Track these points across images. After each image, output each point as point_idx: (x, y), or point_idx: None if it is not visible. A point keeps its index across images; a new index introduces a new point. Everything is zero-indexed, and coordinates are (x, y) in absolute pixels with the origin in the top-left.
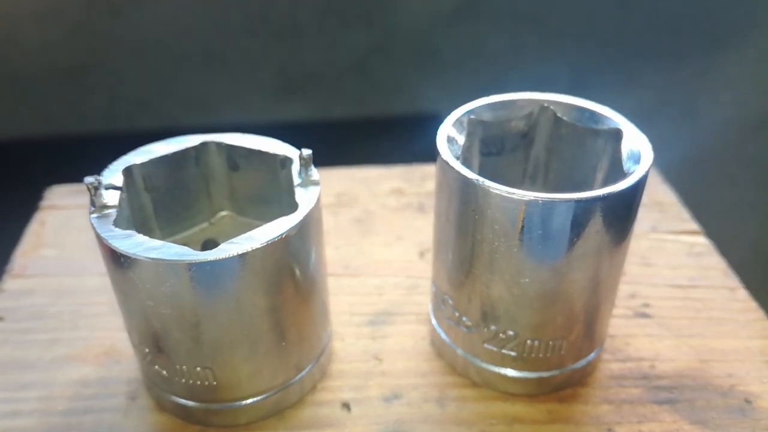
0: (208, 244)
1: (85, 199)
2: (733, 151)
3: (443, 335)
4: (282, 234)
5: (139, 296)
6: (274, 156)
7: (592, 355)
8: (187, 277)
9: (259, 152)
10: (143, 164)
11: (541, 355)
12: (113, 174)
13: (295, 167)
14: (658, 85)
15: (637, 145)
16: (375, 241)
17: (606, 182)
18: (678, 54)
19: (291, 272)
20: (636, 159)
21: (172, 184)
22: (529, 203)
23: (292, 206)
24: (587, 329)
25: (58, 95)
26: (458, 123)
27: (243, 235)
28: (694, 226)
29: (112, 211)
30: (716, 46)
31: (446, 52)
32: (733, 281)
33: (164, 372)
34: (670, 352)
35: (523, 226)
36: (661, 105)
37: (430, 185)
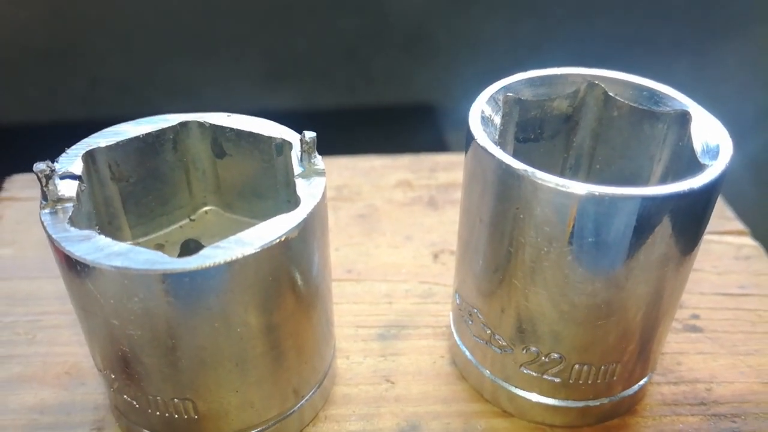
0: (189, 246)
1: None
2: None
3: (468, 354)
4: (281, 236)
5: (102, 313)
6: (269, 139)
7: (645, 379)
8: (161, 290)
9: (251, 135)
10: (109, 148)
11: (590, 382)
12: (72, 160)
13: (296, 154)
14: (658, 74)
15: (711, 132)
16: (381, 242)
17: (667, 176)
18: (679, 44)
19: (291, 283)
20: (712, 149)
21: (146, 172)
22: (590, 200)
23: (292, 201)
24: (643, 351)
25: (35, 79)
26: (493, 101)
27: (232, 237)
28: (739, 225)
29: (69, 206)
30: (717, 35)
31: (440, 40)
32: None
33: (135, 403)
34: (726, 372)
35: (580, 228)
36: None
37: (442, 177)
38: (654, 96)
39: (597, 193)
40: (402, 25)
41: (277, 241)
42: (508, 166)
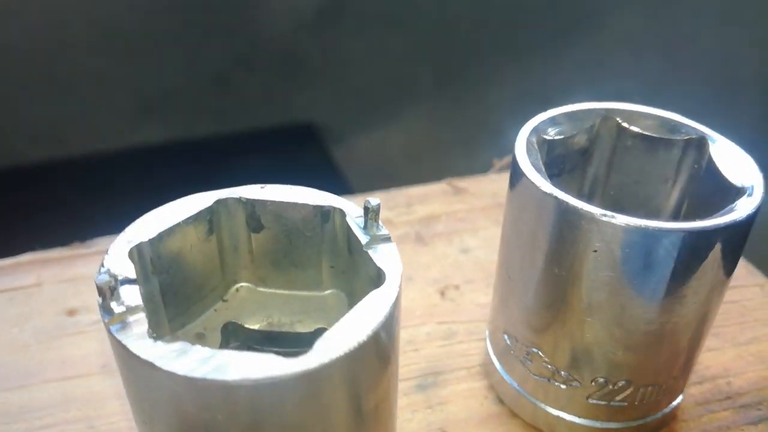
0: (228, 330)
1: None
2: None
3: (522, 391)
4: (386, 315)
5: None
6: (316, 208)
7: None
8: (291, 393)
9: (293, 205)
10: (152, 241)
11: (652, 400)
12: (117, 260)
13: (352, 220)
14: (517, 77)
15: (732, 156)
16: None
17: (684, 198)
18: (534, 46)
19: (388, 359)
20: (740, 173)
21: (182, 260)
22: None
23: (347, 269)
24: (689, 363)
25: None
26: (530, 144)
27: (338, 324)
28: None
29: (139, 317)
30: (568, 35)
31: (312, 59)
32: (758, 277)
33: None
34: (736, 364)
35: (651, 262)
36: (520, 95)
37: (420, 210)
38: (666, 124)
39: (668, 228)
40: (273, 49)
41: (383, 320)
42: (584, 211)
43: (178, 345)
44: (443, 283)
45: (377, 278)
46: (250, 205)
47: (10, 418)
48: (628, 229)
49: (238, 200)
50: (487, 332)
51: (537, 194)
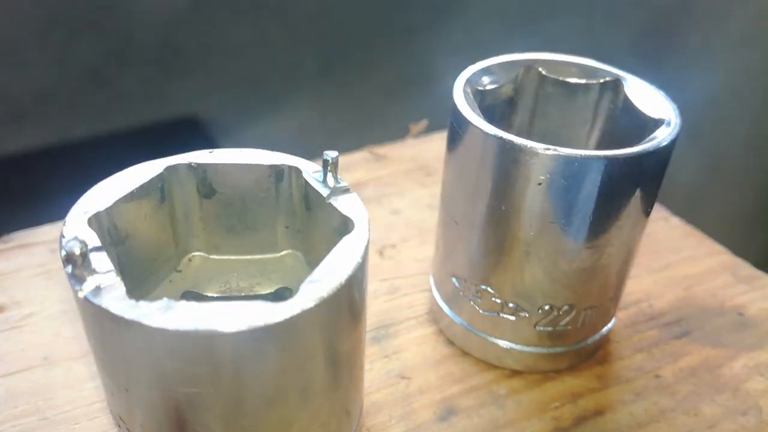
0: (189, 299)
1: None
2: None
3: (472, 329)
4: (359, 260)
5: (172, 378)
6: (270, 168)
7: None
8: (276, 338)
9: (246, 166)
10: (108, 210)
11: (592, 322)
12: (77, 229)
13: (309, 176)
14: (398, 61)
15: (646, 94)
16: None
17: (603, 138)
18: (411, 29)
19: (360, 304)
20: (656, 106)
21: (134, 231)
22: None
23: (303, 228)
24: (621, 286)
25: None
26: (466, 94)
27: (319, 269)
28: None
29: (113, 281)
30: (440, 18)
31: (189, 51)
32: (662, 212)
33: None
34: (654, 288)
35: (589, 189)
36: (402, 77)
37: (348, 178)
38: (584, 70)
39: (603, 155)
40: (148, 41)
41: (360, 260)
42: (526, 147)
43: (162, 302)
44: (380, 244)
45: (343, 227)
46: (201, 170)
47: None
48: (569, 159)
49: (189, 166)
50: (432, 281)
51: (482, 137)
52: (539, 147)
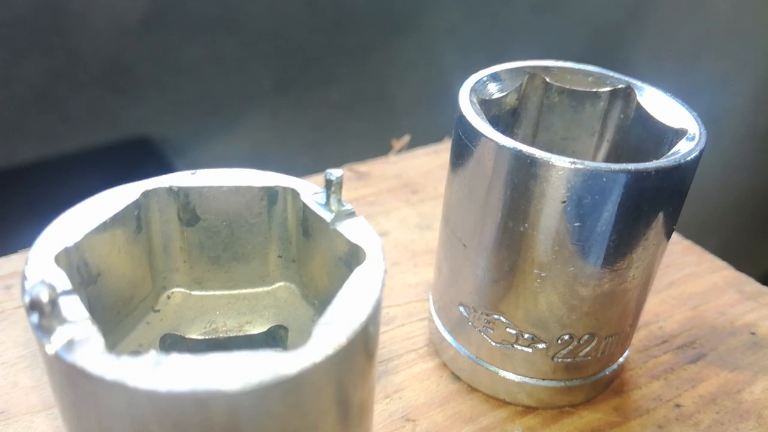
0: (166, 343)
1: None
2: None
3: (479, 362)
4: (377, 294)
5: None
6: (260, 189)
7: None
8: (289, 392)
9: (235, 189)
10: (77, 245)
11: (611, 352)
12: (41, 269)
13: (309, 198)
14: (353, 77)
15: (663, 103)
16: None
17: (615, 150)
18: (366, 46)
19: (374, 344)
20: (676, 116)
21: (109, 266)
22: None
23: (297, 257)
24: (640, 311)
25: None
26: (473, 104)
27: (333, 307)
28: None
29: (89, 331)
30: (395, 36)
31: (140, 70)
32: None
33: None
34: (662, 308)
35: (617, 205)
36: (358, 94)
37: None
38: (591, 77)
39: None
40: (96, 61)
41: (378, 295)
42: (550, 162)
43: (150, 357)
44: None
45: (351, 256)
46: (183, 194)
47: None
48: (596, 173)
49: (169, 190)
50: (432, 309)
51: (495, 150)
52: (564, 161)
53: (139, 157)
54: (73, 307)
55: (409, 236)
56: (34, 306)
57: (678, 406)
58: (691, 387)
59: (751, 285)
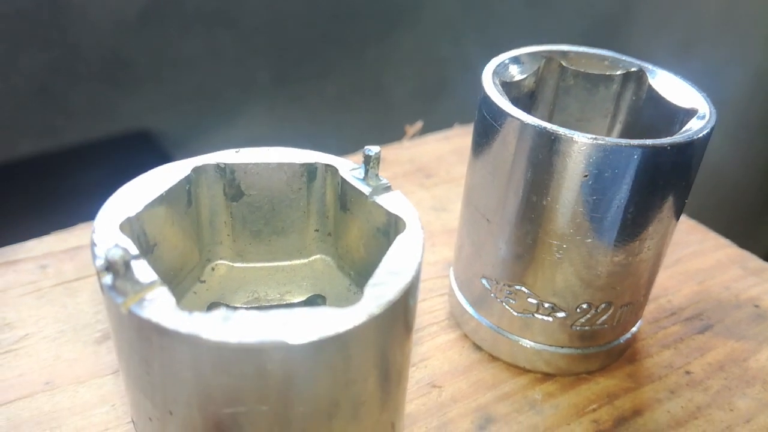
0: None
1: None
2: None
3: (501, 332)
4: (419, 257)
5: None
6: (301, 166)
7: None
8: (354, 343)
9: (278, 165)
10: (138, 216)
11: (626, 320)
12: (110, 237)
13: (347, 173)
14: (351, 72)
15: (673, 84)
16: None
17: (628, 129)
18: (364, 40)
19: (413, 309)
20: (686, 97)
21: (164, 238)
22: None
23: (333, 230)
24: (653, 281)
25: None
26: (496, 85)
27: (380, 270)
28: None
29: (159, 292)
30: (392, 31)
31: (139, 64)
32: None
33: None
34: (670, 283)
35: (644, 180)
36: (357, 88)
37: None
38: (606, 61)
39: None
40: (95, 55)
41: (420, 259)
42: (573, 138)
43: (220, 312)
44: None
45: (389, 226)
46: (230, 170)
47: None
48: (616, 149)
49: (216, 167)
50: (454, 284)
51: (520, 129)
52: (586, 137)
53: (138, 151)
54: (143, 269)
55: (426, 218)
56: (109, 268)
57: (688, 372)
58: (699, 355)
59: (754, 261)
